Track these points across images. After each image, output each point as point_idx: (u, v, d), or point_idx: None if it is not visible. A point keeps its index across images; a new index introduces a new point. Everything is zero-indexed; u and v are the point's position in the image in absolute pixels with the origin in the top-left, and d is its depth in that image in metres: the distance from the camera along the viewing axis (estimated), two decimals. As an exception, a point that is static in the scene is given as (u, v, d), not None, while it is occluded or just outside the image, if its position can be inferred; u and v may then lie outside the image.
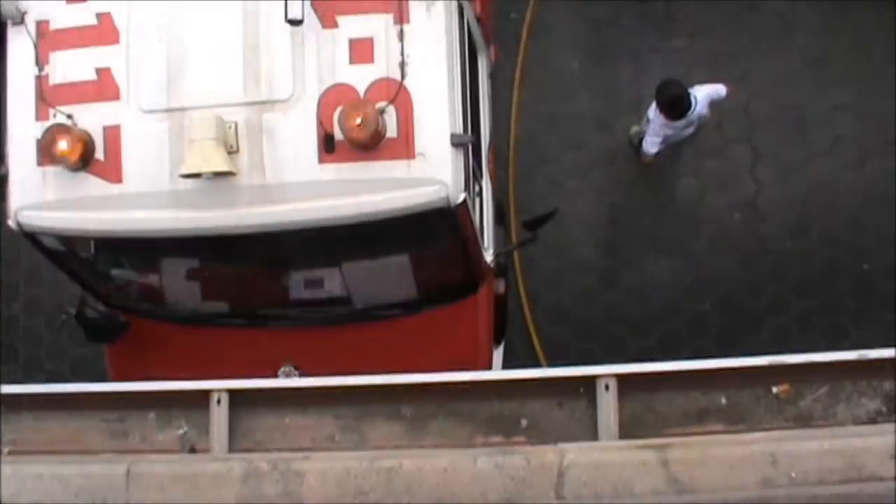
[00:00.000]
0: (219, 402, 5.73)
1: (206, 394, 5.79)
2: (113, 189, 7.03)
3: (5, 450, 5.85)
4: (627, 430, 5.65)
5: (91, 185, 7.05)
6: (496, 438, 5.75)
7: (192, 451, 5.82)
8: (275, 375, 7.96)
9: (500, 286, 8.76)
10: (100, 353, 8.87)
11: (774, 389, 5.66)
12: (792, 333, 9.86)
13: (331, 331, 8.11)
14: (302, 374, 7.97)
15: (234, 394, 5.79)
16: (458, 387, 5.84)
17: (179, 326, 8.16)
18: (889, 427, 5.34)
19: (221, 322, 8.19)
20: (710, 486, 4.97)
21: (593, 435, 5.69)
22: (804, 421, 5.59)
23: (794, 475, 4.92)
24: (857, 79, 10.04)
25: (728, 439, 5.33)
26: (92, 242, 7.78)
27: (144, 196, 7.00)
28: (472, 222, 7.41)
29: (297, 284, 7.97)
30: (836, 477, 4.93)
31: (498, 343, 8.83)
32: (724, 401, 5.67)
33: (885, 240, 9.83)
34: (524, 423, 5.79)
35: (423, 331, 7.98)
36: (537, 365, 9.86)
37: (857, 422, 5.58)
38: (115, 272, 8.15)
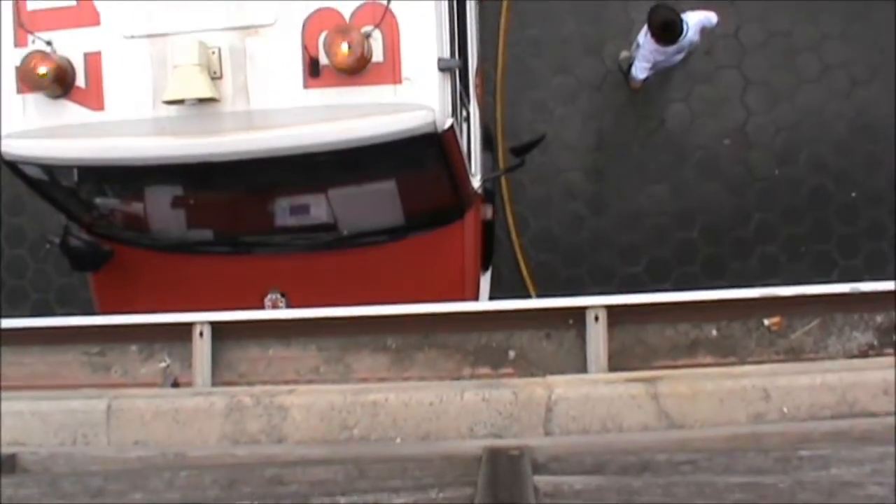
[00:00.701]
0: (201, 334, 5.58)
1: (188, 326, 5.62)
2: (95, 116, 6.84)
3: (-17, 386, 5.68)
4: (617, 361, 5.53)
5: (72, 112, 6.86)
6: (483, 370, 5.62)
7: (176, 384, 5.67)
8: (261, 303, 7.82)
9: (488, 212, 8.62)
10: (85, 281, 8.68)
11: (766, 322, 5.53)
12: (780, 262, 9.75)
13: (317, 257, 7.94)
14: (288, 302, 7.84)
15: (216, 326, 5.63)
16: (445, 318, 5.68)
17: (164, 254, 7.97)
18: (881, 361, 5.23)
19: (207, 250, 8.01)
20: (701, 420, 4.82)
21: (582, 366, 5.57)
22: (795, 354, 5.47)
23: (785, 410, 4.78)
24: (847, 6, 9.77)
25: (719, 372, 5.17)
26: (74, 170, 7.59)
27: (127, 123, 6.80)
28: (459, 148, 7.22)
29: (283, 211, 7.80)
30: (828, 412, 4.79)
31: (485, 269, 8.70)
32: (714, 333, 5.54)
33: (873, 167, 9.74)
34: (512, 354, 5.66)
35: (410, 256, 7.82)
36: (525, 291, 9.78)
37: (849, 355, 5.46)
38: (98, 200, 7.96)
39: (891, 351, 5.55)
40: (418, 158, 7.19)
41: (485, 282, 8.66)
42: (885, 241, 9.74)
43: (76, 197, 7.87)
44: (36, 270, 10.22)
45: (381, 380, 5.47)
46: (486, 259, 8.68)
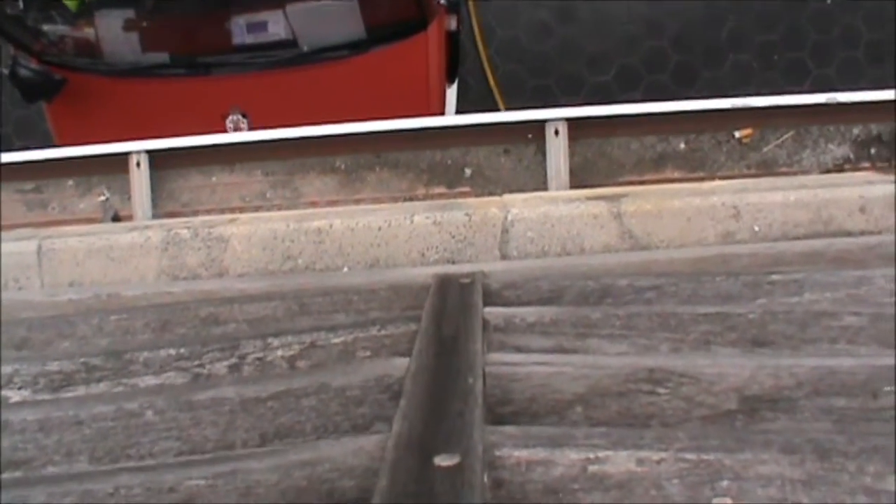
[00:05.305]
0: (138, 164, 5.05)
1: (124, 157, 5.09)
2: None
3: None
4: (579, 177, 5.05)
5: None
6: (438, 189, 5.14)
7: (117, 218, 5.18)
8: (222, 124, 7.31)
9: (452, 22, 8.02)
10: (42, 113, 8.09)
11: (737, 134, 5.04)
12: (752, 70, 9.14)
13: (278, 75, 7.43)
14: (250, 122, 7.33)
15: (154, 155, 5.09)
16: (396, 135, 5.16)
17: (120, 79, 7.43)
18: (857, 176, 4.78)
19: (163, 73, 7.48)
20: (667, 240, 4.33)
21: (542, 183, 5.09)
22: (768, 167, 5.01)
23: (757, 229, 4.29)
24: None
25: (687, 188, 4.67)
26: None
27: None
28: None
29: (240, 29, 7.30)
30: (801, 231, 4.30)
31: (451, 81, 8.15)
32: (682, 146, 5.04)
33: (850, -27, 9.05)
34: (468, 171, 5.17)
35: (372, 71, 7.35)
36: (492, 103, 9.19)
37: (823, 169, 5.02)
38: (46, 27, 7.35)
39: (867, 164, 5.15)
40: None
41: (451, 94, 8.15)
42: (859, 49, 9.15)
43: (22, 23, 7.30)
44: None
45: (332, 203, 4.99)
46: (452, 71, 8.13)
